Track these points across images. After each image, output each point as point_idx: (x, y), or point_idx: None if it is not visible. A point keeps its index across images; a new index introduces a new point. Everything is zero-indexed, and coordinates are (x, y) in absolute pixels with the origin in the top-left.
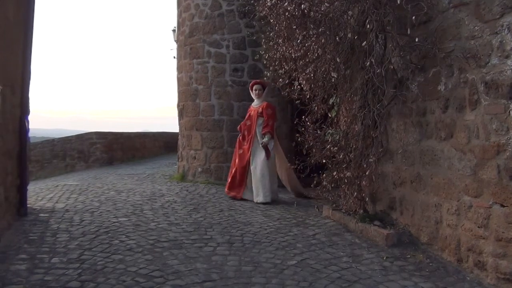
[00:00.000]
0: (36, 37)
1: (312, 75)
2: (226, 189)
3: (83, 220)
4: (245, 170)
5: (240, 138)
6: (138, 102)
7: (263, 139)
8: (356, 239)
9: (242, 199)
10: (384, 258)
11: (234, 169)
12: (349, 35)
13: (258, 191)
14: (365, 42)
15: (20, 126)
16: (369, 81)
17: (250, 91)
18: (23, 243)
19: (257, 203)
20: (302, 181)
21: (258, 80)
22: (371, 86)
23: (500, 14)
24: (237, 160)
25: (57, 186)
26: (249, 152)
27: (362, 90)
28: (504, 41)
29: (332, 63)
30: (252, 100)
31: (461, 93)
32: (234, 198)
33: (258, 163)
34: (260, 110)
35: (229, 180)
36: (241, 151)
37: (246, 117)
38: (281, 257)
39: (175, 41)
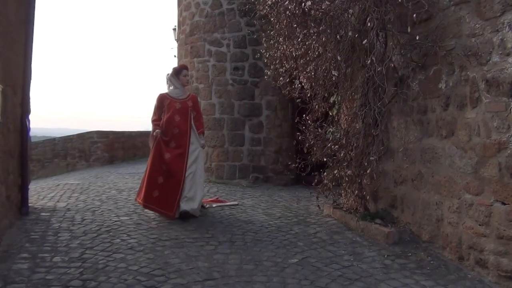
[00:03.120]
0: (37, 37)
1: (312, 73)
2: (140, 199)
3: (85, 219)
4: (180, 180)
5: (163, 137)
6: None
7: (200, 140)
8: (357, 237)
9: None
10: (385, 256)
11: (161, 179)
12: (350, 33)
13: (195, 198)
14: (365, 40)
15: (21, 126)
16: (370, 79)
17: (173, 77)
18: (24, 242)
19: (184, 212)
20: (303, 180)
21: (185, 65)
22: (372, 84)
23: (501, 12)
24: (163, 167)
25: (58, 185)
26: (186, 156)
27: (363, 88)
28: (505, 39)
29: (332, 61)
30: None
31: (462, 91)
32: (160, 214)
33: (198, 167)
34: (190, 103)
35: (145, 189)
36: (168, 156)
37: (170, 111)
38: (282, 256)
39: (175, 40)
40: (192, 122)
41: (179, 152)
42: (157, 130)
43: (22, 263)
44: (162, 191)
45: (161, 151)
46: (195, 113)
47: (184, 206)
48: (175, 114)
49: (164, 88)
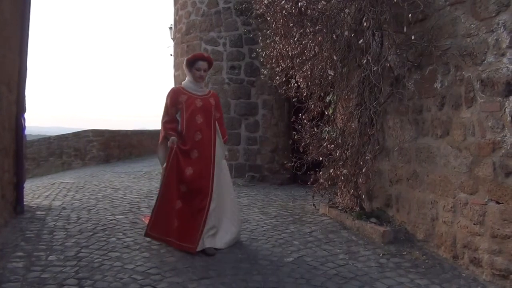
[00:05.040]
0: (33, 36)
1: (309, 73)
2: (152, 232)
3: (80, 218)
4: (205, 205)
5: (182, 146)
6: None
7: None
8: (352, 236)
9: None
10: (381, 255)
11: (178, 204)
12: (346, 33)
13: (232, 224)
14: (361, 40)
15: (17, 124)
16: (366, 79)
17: (186, 69)
18: (20, 240)
19: (211, 249)
20: (299, 179)
21: (202, 53)
22: (368, 84)
23: (496, 12)
24: (181, 188)
25: (53, 184)
26: (212, 171)
27: (359, 88)
28: (500, 39)
29: (329, 61)
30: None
31: (457, 90)
32: (180, 249)
33: (227, 185)
34: (213, 101)
35: (159, 218)
36: (190, 171)
37: (189, 109)
38: (278, 254)
39: (172, 38)
40: (217, 125)
41: (203, 165)
42: (172, 137)
43: (17, 262)
44: (182, 218)
45: (179, 165)
46: (218, 115)
47: (212, 242)
48: (196, 114)
49: (161, 86)
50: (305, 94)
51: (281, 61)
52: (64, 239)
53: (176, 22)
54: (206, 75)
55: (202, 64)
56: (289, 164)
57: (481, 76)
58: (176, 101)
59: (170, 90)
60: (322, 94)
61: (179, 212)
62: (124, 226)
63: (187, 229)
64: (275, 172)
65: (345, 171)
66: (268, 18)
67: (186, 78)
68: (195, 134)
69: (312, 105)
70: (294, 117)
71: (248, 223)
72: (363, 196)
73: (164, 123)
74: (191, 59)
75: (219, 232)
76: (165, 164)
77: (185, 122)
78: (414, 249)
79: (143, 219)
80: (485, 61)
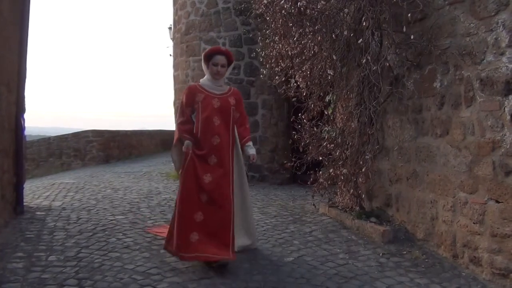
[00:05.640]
0: (33, 36)
1: (308, 72)
2: (173, 248)
3: (80, 218)
4: (229, 211)
5: (197, 151)
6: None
7: (248, 150)
8: (352, 236)
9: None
10: (381, 254)
11: (199, 216)
12: (345, 32)
13: (250, 229)
14: (361, 39)
15: (16, 124)
16: (365, 79)
17: (204, 65)
18: (20, 241)
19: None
20: (298, 178)
21: (220, 47)
22: (367, 83)
23: (495, 11)
24: (201, 197)
25: (53, 184)
26: (231, 176)
27: (358, 87)
28: (499, 38)
29: (328, 60)
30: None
31: (456, 90)
32: (209, 261)
33: (245, 189)
34: (233, 100)
35: (178, 232)
36: (209, 178)
37: (206, 110)
38: (278, 254)
39: (171, 39)
40: (235, 128)
41: (222, 172)
42: (186, 141)
43: (17, 262)
44: (204, 231)
45: (196, 172)
46: (238, 115)
47: (241, 241)
48: (213, 115)
49: (160, 86)
50: (304, 94)
51: (280, 61)
52: (64, 240)
53: (175, 22)
54: (225, 71)
55: (220, 59)
56: (289, 163)
57: (481, 75)
58: (192, 101)
59: (186, 88)
60: (321, 93)
61: (201, 225)
62: (124, 226)
63: (213, 241)
64: (275, 172)
65: (344, 170)
66: (268, 18)
67: (205, 76)
68: (212, 138)
69: (312, 105)
70: (293, 116)
71: None
72: (363, 196)
73: (179, 124)
74: (208, 53)
75: (246, 234)
76: (180, 170)
77: (200, 125)
78: (414, 248)
79: (156, 232)
80: (485, 60)
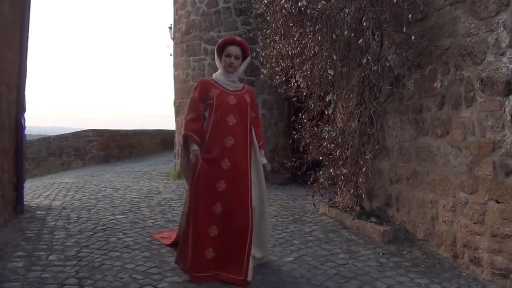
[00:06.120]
0: (33, 36)
1: (308, 72)
2: (188, 267)
3: (80, 218)
4: (247, 224)
5: (206, 155)
6: (135, 99)
7: (261, 157)
8: (352, 236)
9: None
10: (381, 254)
11: (214, 230)
12: (346, 32)
13: (263, 243)
14: (361, 39)
15: (17, 124)
16: (366, 79)
17: (217, 57)
18: (20, 240)
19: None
20: (299, 178)
21: (235, 37)
22: (368, 83)
23: (495, 12)
24: (214, 208)
25: (53, 183)
26: (249, 183)
27: (359, 87)
28: (499, 39)
29: (328, 60)
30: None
31: (457, 90)
32: (223, 281)
33: (263, 197)
34: (248, 98)
35: (193, 249)
36: (223, 185)
37: (220, 107)
38: (278, 254)
39: (171, 38)
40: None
41: (238, 177)
42: (194, 149)
43: (18, 262)
44: (220, 247)
45: (207, 180)
46: (254, 116)
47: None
48: (228, 113)
49: (160, 86)
50: (305, 94)
51: (280, 60)
52: (64, 239)
53: (175, 21)
54: (239, 64)
55: (233, 49)
56: (289, 163)
57: (481, 76)
58: (205, 95)
59: (199, 82)
60: (322, 93)
61: (216, 240)
62: (124, 226)
63: (228, 257)
64: (275, 172)
65: (345, 170)
66: (268, 18)
67: (218, 71)
68: (225, 138)
69: (312, 105)
70: (294, 116)
71: None
72: (363, 196)
73: (188, 121)
74: (221, 44)
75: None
76: (190, 180)
77: (212, 123)
78: (414, 248)
79: (158, 237)
80: (485, 61)
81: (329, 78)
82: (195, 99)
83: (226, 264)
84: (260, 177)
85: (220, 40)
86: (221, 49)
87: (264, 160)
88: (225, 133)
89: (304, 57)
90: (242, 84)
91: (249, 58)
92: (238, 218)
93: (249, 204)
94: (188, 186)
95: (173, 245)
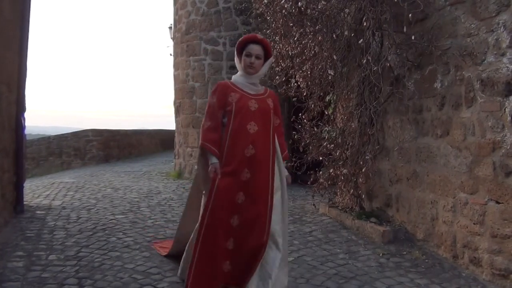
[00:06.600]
0: (33, 36)
1: (309, 72)
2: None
3: (80, 217)
4: (262, 242)
5: (225, 167)
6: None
7: (282, 169)
8: (352, 236)
9: None
10: (380, 254)
11: (230, 244)
12: (346, 32)
13: (284, 260)
14: (361, 39)
15: (17, 124)
16: (366, 79)
17: (236, 57)
18: (20, 240)
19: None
20: (299, 178)
21: (256, 35)
22: (368, 83)
23: (496, 12)
24: (232, 221)
25: (53, 183)
26: (270, 197)
27: (359, 87)
28: (500, 39)
29: (329, 60)
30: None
31: (457, 90)
32: None
33: (284, 213)
34: (271, 103)
35: (208, 264)
36: (242, 197)
37: (239, 114)
38: None
39: (171, 38)
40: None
41: (258, 189)
42: (213, 163)
43: (18, 261)
44: (235, 261)
45: (226, 193)
46: (278, 122)
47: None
48: (249, 120)
49: (160, 86)
50: (305, 94)
51: (280, 60)
52: (64, 239)
53: (175, 22)
54: (260, 65)
55: (254, 48)
56: (289, 163)
57: (481, 76)
58: (224, 101)
59: (217, 85)
60: (322, 93)
61: (233, 254)
62: (124, 226)
63: (241, 273)
64: None
65: (345, 170)
66: (268, 18)
67: (237, 73)
68: (245, 148)
69: (312, 105)
70: (294, 116)
71: None
72: (363, 196)
73: (206, 130)
74: (241, 43)
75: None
76: (204, 192)
77: (231, 132)
78: (414, 248)
79: (157, 248)
80: (485, 61)
81: (329, 78)
82: (213, 105)
83: (239, 279)
84: (283, 191)
85: (240, 38)
86: (241, 48)
87: (285, 172)
88: (245, 142)
89: (304, 57)
90: (264, 87)
91: (272, 58)
92: (254, 234)
93: (266, 220)
94: (204, 198)
95: (169, 256)
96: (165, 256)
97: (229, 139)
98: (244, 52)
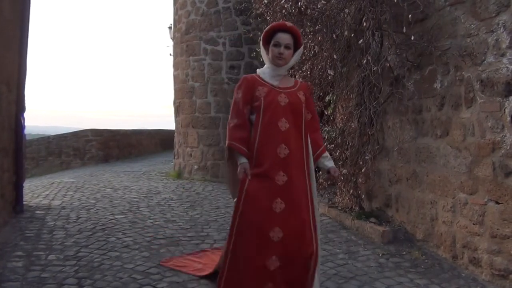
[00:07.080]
0: (33, 36)
1: (308, 72)
2: None
3: (80, 217)
4: (312, 251)
5: (256, 169)
6: (135, 99)
7: (325, 162)
8: (352, 236)
9: None
10: (380, 255)
11: (274, 262)
12: (346, 33)
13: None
14: (361, 40)
15: (16, 123)
16: (366, 79)
17: (263, 48)
18: (19, 240)
19: None
20: None
21: (285, 22)
22: (368, 83)
23: (496, 13)
24: (272, 236)
25: (52, 183)
26: (311, 200)
27: (359, 87)
28: (499, 39)
29: (328, 60)
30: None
31: (457, 91)
32: None
33: (316, 216)
34: (302, 96)
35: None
36: (281, 205)
37: (269, 109)
38: None
39: (171, 38)
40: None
41: (298, 193)
42: (243, 162)
43: (17, 261)
44: (281, 281)
45: (260, 198)
46: (310, 116)
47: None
48: (280, 117)
49: (159, 86)
50: None
51: None
52: (64, 239)
53: (175, 21)
54: (290, 55)
55: (283, 37)
56: None
57: (481, 76)
58: (251, 96)
59: (242, 79)
60: (321, 93)
61: (277, 274)
62: (123, 226)
63: None
64: None
65: (344, 171)
66: (268, 18)
67: (264, 65)
68: (278, 147)
69: None
70: None
71: None
72: (363, 196)
73: (232, 128)
74: (268, 31)
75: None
76: (235, 199)
77: (260, 129)
78: (413, 249)
79: (175, 267)
80: (485, 61)
81: (329, 78)
82: (239, 101)
83: None
84: (315, 193)
85: (267, 27)
86: (269, 38)
87: (331, 164)
88: (277, 141)
89: (304, 57)
90: (294, 79)
91: (301, 48)
92: (302, 245)
93: (312, 227)
94: (234, 205)
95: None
96: (205, 275)
97: (259, 137)
98: (272, 42)
